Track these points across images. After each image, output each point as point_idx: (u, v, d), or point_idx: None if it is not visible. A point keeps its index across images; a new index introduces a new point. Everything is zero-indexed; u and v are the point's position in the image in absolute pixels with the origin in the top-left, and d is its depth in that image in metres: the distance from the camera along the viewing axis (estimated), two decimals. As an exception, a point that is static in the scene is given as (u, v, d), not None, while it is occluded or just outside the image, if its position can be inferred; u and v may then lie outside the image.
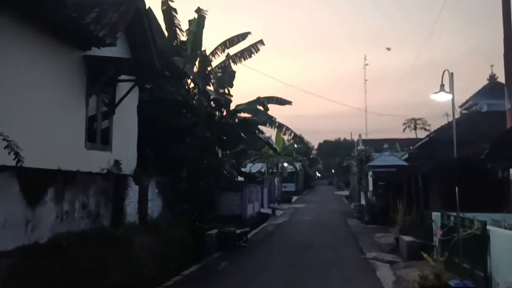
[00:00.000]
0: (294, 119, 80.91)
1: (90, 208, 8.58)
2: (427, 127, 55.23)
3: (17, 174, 6.22)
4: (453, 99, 9.67)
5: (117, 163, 11.35)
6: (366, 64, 59.55)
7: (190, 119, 17.19)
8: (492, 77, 26.68)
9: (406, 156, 31.66)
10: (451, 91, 9.24)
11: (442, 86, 9.07)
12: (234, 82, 19.54)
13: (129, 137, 12.80)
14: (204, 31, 19.10)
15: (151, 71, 12.60)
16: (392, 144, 39.70)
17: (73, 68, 9.96)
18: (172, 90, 15.64)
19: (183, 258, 12.00)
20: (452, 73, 9.18)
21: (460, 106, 30.88)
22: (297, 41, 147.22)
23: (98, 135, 11.01)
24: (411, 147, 34.90)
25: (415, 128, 58.02)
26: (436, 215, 11.70)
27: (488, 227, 7.92)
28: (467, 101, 29.19)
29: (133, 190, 10.85)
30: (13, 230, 6.19)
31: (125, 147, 12.23)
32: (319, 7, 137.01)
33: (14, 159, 6.49)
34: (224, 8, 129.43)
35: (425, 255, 8.99)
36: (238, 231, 15.70)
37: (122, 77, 12.06)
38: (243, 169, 34.41)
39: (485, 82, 27.19)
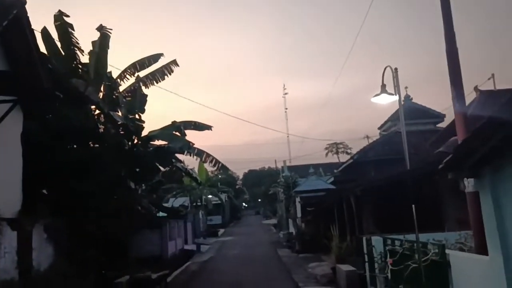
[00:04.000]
0: (217, 149, 79.38)
1: None
2: (349, 151, 56.73)
3: None
4: (400, 101, 8.54)
5: (-10, 204, 8.95)
6: (286, 93, 60.36)
7: (94, 149, 14.93)
8: (407, 98, 27.14)
9: (332, 179, 31.22)
10: (397, 91, 8.11)
11: (383, 86, 7.91)
12: (148, 109, 17.61)
13: (11, 172, 10.36)
14: (111, 54, 17.09)
15: (36, 91, 10.40)
16: (316, 168, 39.48)
17: None
18: (70, 115, 13.40)
19: (82, 319, 9.65)
20: (396, 69, 8.06)
21: (379, 128, 31.28)
22: (211, 71, 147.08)
23: (-41, 171, 8.59)
24: (335, 171, 34.72)
25: (337, 152, 59.39)
26: (376, 240, 10.47)
27: (447, 251, 6.69)
28: (385, 122, 29.54)
29: (10, 238, 8.48)
30: None
31: (3, 184, 9.80)
32: (231, 35, 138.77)
33: None
34: (136, 36, 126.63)
35: (376, 291, 7.60)
36: (154, 276, 13.46)
37: (-2, 98, 9.76)
38: (165, 204, 32.03)
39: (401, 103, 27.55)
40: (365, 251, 11.21)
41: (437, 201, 12.55)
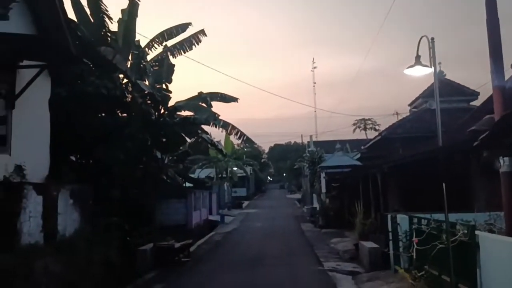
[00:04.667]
0: (243, 122, 79.28)
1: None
2: (377, 127, 55.65)
3: None
4: (435, 72, 8.13)
5: (19, 168, 9.09)
6: (315, 67, 59.38)
7: (121, 117, 15.01)
8: (440, 74, 26.14)
9: (359, 155, 30.78)
10: (433, 62, 7.67)
11: (418, 57, 7.47)
12: (174, 79, 17.49)
13: (39, 138, 10.50)
14: (140, 23, 16.97)
15: (63, 57, 10.38)
16: (342, 144, 39.06)
17: None
18: (97, 83, 13.43)
19: (106, 283, 9.86)
20: (432, 38, 7.60)
21: (410, 105, 30.41)
22: (239, 43, 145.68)
23: (-12, 134, 8.73)
24: (362, 147, 34.18)
25: (365, 129, 58.33)
26: (402, 218, 10.23)
27: (477, 232, 6.43)
28: (416, 99, 28.68)
29: (35, 202, 8.62)
30: None
31: (31, 149, 9.94)
32: (261, 12, 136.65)
33: None
34: (165, 5, 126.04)
35: (400, 270, 7.42)
36: (177, 245, 13.65)
37: (26, 63, 9.82)
38: (191, 175, 32.38)
39: (433, 80, 26.56)
40: (389, 228, 11.00)
41: (466, 181, 12.12)
